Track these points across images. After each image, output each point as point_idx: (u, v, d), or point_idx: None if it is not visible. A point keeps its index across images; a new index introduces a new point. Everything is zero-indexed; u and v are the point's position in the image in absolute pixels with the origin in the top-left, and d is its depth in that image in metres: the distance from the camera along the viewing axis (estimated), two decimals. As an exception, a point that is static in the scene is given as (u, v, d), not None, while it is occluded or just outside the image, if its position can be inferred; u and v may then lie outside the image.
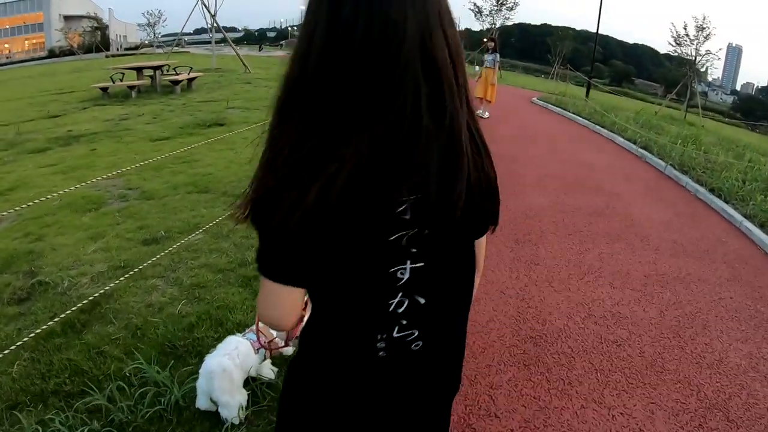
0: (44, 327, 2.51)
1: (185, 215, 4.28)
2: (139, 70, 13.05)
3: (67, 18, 59.80)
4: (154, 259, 3.29)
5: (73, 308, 2.70)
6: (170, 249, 3.45)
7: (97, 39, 52.20)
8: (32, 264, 3.54)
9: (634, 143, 8.44)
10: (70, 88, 15.32)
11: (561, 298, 3.31)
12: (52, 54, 53.32)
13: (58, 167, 6.22)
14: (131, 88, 12.27)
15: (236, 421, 1.96)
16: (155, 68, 13.05)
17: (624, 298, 3.36)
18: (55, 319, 2.60)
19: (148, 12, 37.90)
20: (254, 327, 2.08)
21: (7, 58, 58.57)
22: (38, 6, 62.29)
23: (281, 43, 54.57)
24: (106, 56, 42.53)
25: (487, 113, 10.25)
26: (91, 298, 2.80)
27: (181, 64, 16.83)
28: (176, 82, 12.69)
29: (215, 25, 17.57)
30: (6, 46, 63.92)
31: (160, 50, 38.41)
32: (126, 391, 2.12)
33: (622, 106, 16.91)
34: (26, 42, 64.02)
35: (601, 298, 3.35)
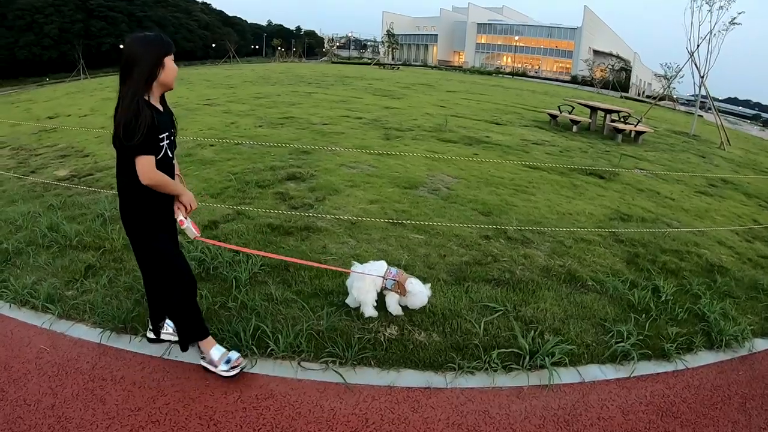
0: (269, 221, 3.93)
1: (433, 225, 4.98)
2: (593, 109, 14.03)
3: (595, 52, 68.50)
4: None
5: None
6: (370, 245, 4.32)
7: (621, 78, 56.67)
8: (320, 198, 5.12)
9: None
10: (538, 107, 18.00)
11: None
12: (574, 80, 62.09)
13: (438, 156, 7.98)
14: (574, 122, 13.43)
15: (373, 314, 3.16)
16: (607, 111, 13.71)
17: None
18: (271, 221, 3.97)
19: (665, 64, 38.12)
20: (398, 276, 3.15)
21: (536, 72, 73.22)
22: (571, 36, 76.27)
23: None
24: (621, 96, 46.13)
25: None
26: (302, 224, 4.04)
27: (654, 119, 16.82)
28: (619, 130, 12.99)
29: (704, 88, 16.49)
30: (538, 62, 79.97)
31: (682, 107, 38.55)
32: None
33: None
34: (555, 64, 77.90)
35: None
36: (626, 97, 47.14)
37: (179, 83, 22.77)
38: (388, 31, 66.88)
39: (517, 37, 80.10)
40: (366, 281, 3.09)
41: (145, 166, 2.25)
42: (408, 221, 4.80)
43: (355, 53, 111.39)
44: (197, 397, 2.53)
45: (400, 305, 3.22)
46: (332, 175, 6.42)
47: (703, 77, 16.53)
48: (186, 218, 2.56)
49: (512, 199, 6.04)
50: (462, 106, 16.54)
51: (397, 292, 3.13)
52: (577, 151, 10.41)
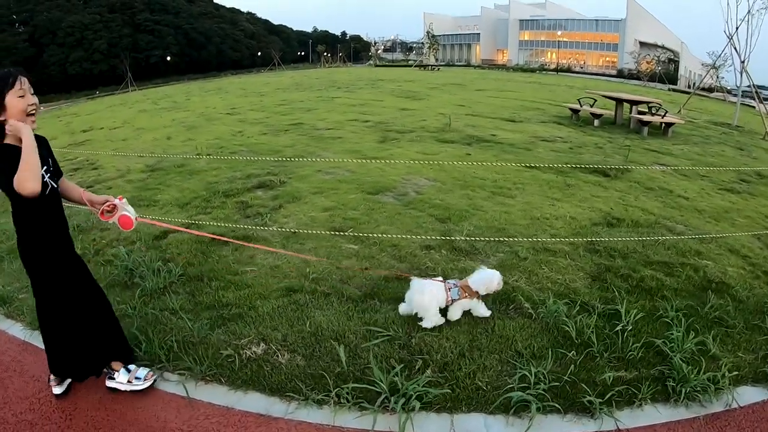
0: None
1: (373, 234, 4.55)
2: (619, 101, 13.10)
3: (642, 44, 64.67)
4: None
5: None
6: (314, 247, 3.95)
7: (669, 71, 53.47)
8: (276, 207, 4.80)
9: None
10: (568, 102, 17.04)
11: None
12: (620, 74, 59.02)
13: (426, 158, 7.48)
14: (594, 116, 12.56)
15: (428, 326, 2.98)
16: (633, 103, 12.74)
17: None
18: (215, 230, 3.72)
19: (713, 52, 34.55)
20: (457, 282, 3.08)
21: (581, 67, 70.03)
22: (616, 28, 71.42)
23: None
24: (669, 89, 43.35)
25: None
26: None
27: (696, 109, 15.58)
28: (645, 123, 12.03)
29: (745, 74, 14.99)
30: (584, 57, 76.35)
31: (732, 98, 35.12)
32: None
33: None
34: (601, 58, 74.08)
35: None
36: (674, 90, 44.31)
37: (214, 93, 23.23)
38: (428, 31, 65.96)
39: (560, 32, 77.10)
40: (425, 296, 2.96)
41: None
42: (350, 230, 4.40)
43: (400, 55, 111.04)
44: (69, 395, 2.66)
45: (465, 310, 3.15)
46: (303, 182, 6.11)
47: (743, 62, 15.07)
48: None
49: (484, 203, 5.48)
50: (483, 105, 15.85)
51: (466, 297, 3.03)
52: (590, 147, 9.62)
